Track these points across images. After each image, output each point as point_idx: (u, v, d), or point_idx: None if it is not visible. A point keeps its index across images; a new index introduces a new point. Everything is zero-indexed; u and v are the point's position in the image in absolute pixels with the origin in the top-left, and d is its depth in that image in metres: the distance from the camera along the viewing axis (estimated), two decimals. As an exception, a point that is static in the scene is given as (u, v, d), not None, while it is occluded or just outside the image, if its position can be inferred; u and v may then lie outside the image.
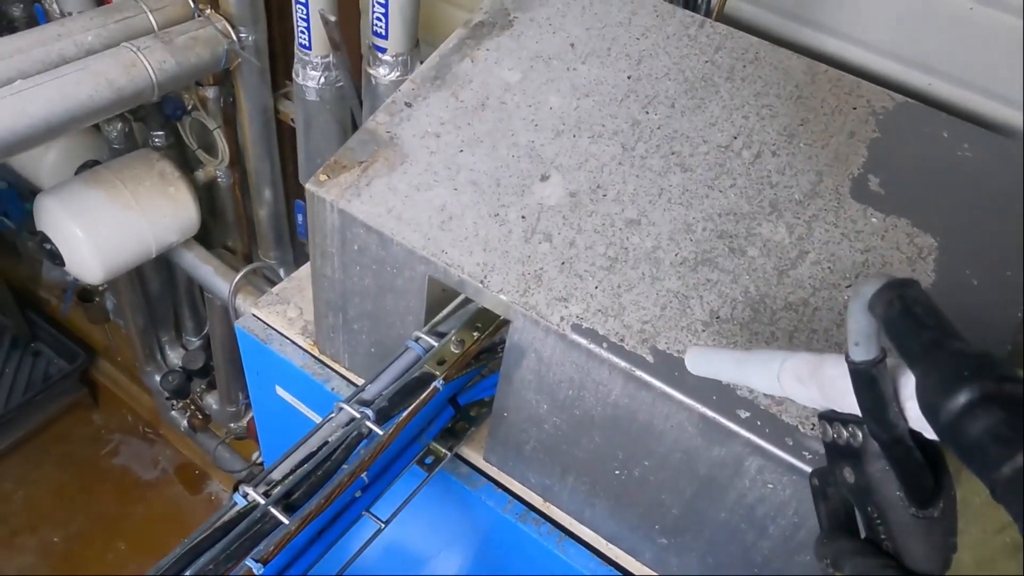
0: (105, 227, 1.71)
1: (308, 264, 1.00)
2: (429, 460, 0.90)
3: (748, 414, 0.66)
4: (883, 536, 0.46)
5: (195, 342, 2.58)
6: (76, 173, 1.83)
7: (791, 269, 0.75)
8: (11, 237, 3.06)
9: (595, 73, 0.90)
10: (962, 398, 0.35)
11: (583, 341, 0.71)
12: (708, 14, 1.03)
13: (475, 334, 0.87)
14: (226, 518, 0.72)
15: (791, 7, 1.12)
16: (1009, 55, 0.98)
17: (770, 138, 0.85)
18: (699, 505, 0.75)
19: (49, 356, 3.06)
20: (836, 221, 0.79)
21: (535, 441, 0.84)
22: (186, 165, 1.92)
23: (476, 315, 0.88)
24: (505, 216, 0.79)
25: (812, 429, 0.66)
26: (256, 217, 1.99)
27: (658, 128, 0.85)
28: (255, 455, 2.64)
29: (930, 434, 0.41)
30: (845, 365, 0.45)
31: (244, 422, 2.61)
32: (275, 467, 0.77)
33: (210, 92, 1.71)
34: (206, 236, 2.03)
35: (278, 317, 1.06)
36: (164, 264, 2.23)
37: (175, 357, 2.62)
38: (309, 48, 1.41)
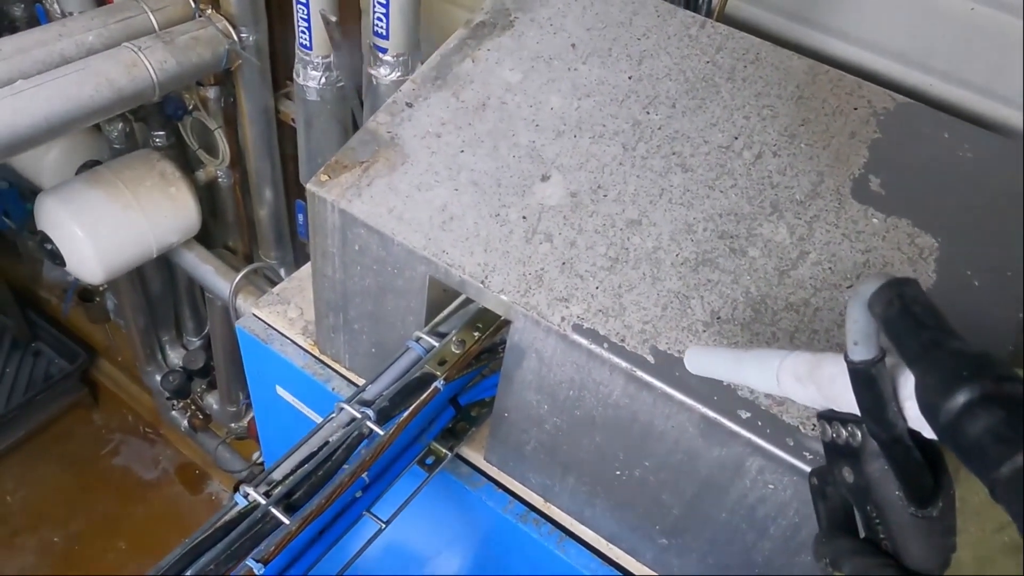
0: (106, 227, 1.71)
1: (309, 264, 1.00)
2: (430, 460, 0.90)
3: (749, 415, 0.66)
4: (882, 535, 0.46)
5: (196, 342, 2.58)
6: (77, 173, 1.83)
7: (792, 269, 0.75)
8: (12, 237, 3.07)
9: (596, 73, 0.90)
10: (961, 398, 0.35)
11: (584, 341, 0.71)
12: (709, 14, 1.03)
13: (476, 334, 0.87)
14: (227, 518, 0.72)
15: (792, 7, 1.12)
16: (1010, 55, 0.98)
17: (771, 138, 0.85)
18: (700, 505, 0.75)
19: (50, 356, 3.06)
20: (837, 221, 0.79)
21: (536, 441, 0.84)
22: (187, 165, 1.92)
23: (477, 315, 0.88)
24: (506, 216, 0.79)
25: (813, 430, 0.66)
26: (257, 217, 1.99)
27: (659, 128, 0.85)
28: (255, 455, 2.64)
29: (929, 433, 0.41)
30: (844, 364, 0.45)
31: (245, 422, 2.61)
32: (276, 467, 0.77)
33: (211, 92, 1.71)
34: (207, 236, 2.03)
35: (279, 317, 1.06)
36: (165, 264, 2.23)
37: (176, 357, 2.62)
38: (310, 48, 1.42)
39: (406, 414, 0.81)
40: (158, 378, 2.60)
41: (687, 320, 0.72)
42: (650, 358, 0.70)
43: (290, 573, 0.72)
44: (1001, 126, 1.04)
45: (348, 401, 0.82)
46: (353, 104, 1.50)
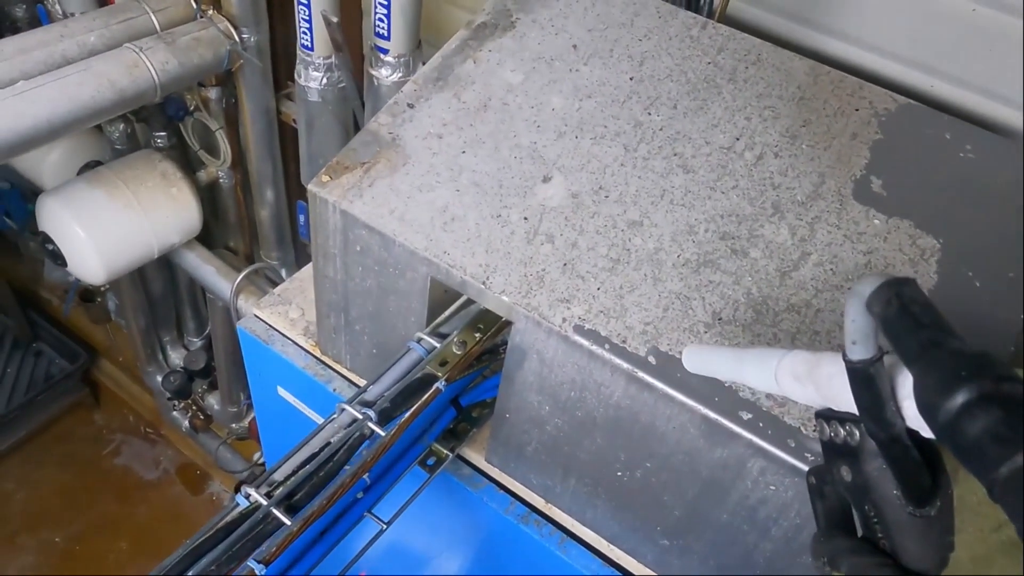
0: (107, 228, 1.71)
1: (310, 265, 1.00)
2: (431, 461, 0.90)
3: (750, 416, 0.66)
4: (880, 535, 0.46)
5: (197, 342, 2.58)
6: (78, 174, 1.83)
7: (793, 271, 0.75)
8: (13, 237, 3.07)
9: (597, 74, 0.90)
10: (960, 398, 0.35)
11: (585, 342, 0.71)
12: (710, 15, 1.03)
13: (477, 335, 0.87)
14: (228, 519, 0.72)
15: (793, 8, 1.12)
16: (1012, 56, 0.98)
17: (772, 139, 0.85)
18: (701, 506, 0.75)
19: (51, 356, 3.06)
20: (838, 223, 0.79)
21: (537, 442, 0.84)
22: (188, 166, 1.92)
23: (478, 316, 0.88)
24: (507, 217, 0.79)
25: (814, 431, 0.66)
26: (258, 218, 1.99)
27: (660, 129, 0.86)
28: (256, 456, 2.65)
29: (927, 433, 0.41)
30: (842, 364, 0.45)
31: (246, 423, 2.61)
32: (277, 468, 0.77)
33: (212, 93, 1.71)
34: (208, 237, 2.03)
35: (280, 318, 1.06)
36: (166, 264, 2.23)
37: (177, 357, 2.62)
38: (311, 49, 1.42)
39: (407, 415, 0.81)
40: (159, 378, 2.60)
41: (688, 321, 0.72)
42: (651, 359, 0.70)
43: (291, 574, 0.72)
44: (1002, 127, 1.04)
45: (349, 402, 0.82)
46: (354, 105, 1.50)
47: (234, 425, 2.62)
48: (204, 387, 2.63)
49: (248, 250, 2.16)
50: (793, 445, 0.65)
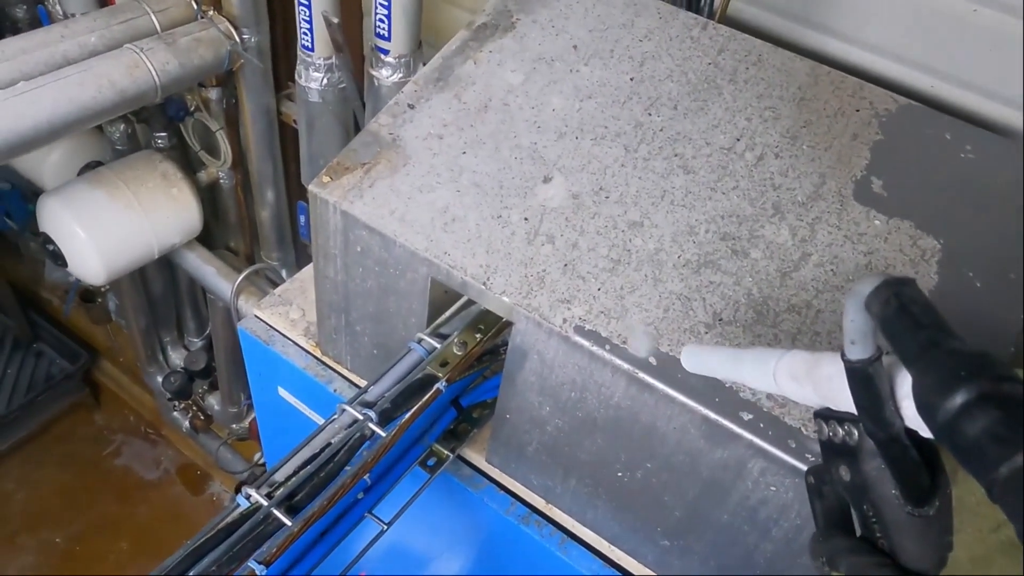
0: (107, 228, 1.71)
1: (310, 265, 1.00)
2: (431, 462, 0.90)
3: (751, 416, 0.66)
4: (879, 534, 0.46)
5: (197, 343, 2.58)
6: (79, 174, 1.83)
7: (794, 271, 0.75)
8: (14, 238, 3.07)
9: (598, 75, 0.90)
10: (959, 398, 0.35)
11: (586, 343, 0.71)
12: (711, 16, 1.03)
13: (478, 336, 0.87)
14: (229, 519, 0.72)
15: (794, 9, 1.12)
16: (1012, 57, 0.98)
17: (773, 140, 0.85)
18: (701, 507, 0.75)
19: (51, 356, 3.06)
20: (839, 223, 0.79)
21: (537, 443, 0.84)
22: (188, 166, 1.93)
23: (479, 317, 0.88)
24: (508, 218, 0.79)
25: (814, 431, 0.65)
26: (258, 218, 1.99)
27: (661, 130, 0.86)
28: (257, 456, 2.64)
29: (926, 433, 0.41)
30: (841, 363, 0.45)
31: (246, 423, 2.61)
32: (278, 469, 0.77)
33: (213, 93, 1.71)
34: (208, 237, 2.03)
35: (280, 318, 1.06)
36: (166, 265, 2.23)
37: (177, 358, 2.62)
38: (312, 50, 1.42)
39: (408, 416, 0.81)
40: (159, 379, 2.60)
41: (689, 322, 0.72)
42: (652, 360, 0.70)
43: (292, 574, 0.72)
44: (1003, 127, 1.04)
45: (350, 403, 0.82)
46: (355, 105, 1.50)
47: (235, 426, 2.62)
48: (204, 387, 2.63)
49: (248, 251, 2.16)
50: (794, 446, 0.65)
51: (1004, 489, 0.33)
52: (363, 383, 0.98)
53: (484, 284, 0.75)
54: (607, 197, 0.80)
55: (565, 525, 0.90)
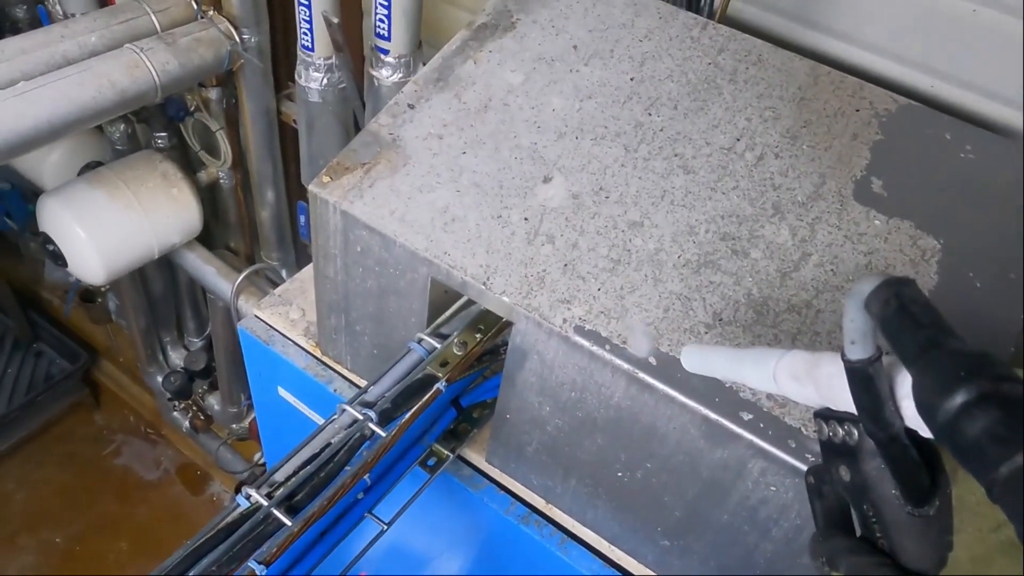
0: (107, 228, 1.71)
1: (310, 265, 1.00)
2: (431, 462, 0.90)
3: (751, 416, 0.66)
4: (879, 534, 0.46)
5: (197, 343, 2.58)
6: (79, 174, 1.83)
7: (794, 271, 0.75)
8: (14, 238, 3.07)
9: (598, 75, 0.90)
10: (959, 398, 0.35)
11: (586, 343, 0.71)
12: (711, 16, 1.03)
13: (478, 336, 0.87)
14: (229, 520, 0.72)
15: (794, 9, 1.12)
16: (1012, 57, 0.98)
17: (773, 140, 0.85)
18: (702, 507, 0.75)
19: (51, 356, 3.06)
20: (839, 223, 0.79)
21: (537, 443, 0.84)
22: (188, 166, 1.93)
23: (479, 317, 0.88)
24: (508, 218, 0.79)
25: (814, 431, 0.65)
26: (258, 218, 1.99)
27: (661, 130, 0.86)
28: (257, 456, 2.65)
29: (926, 433, 0.41)
30: (841, 363, 0.45)
31: (246, 423, 2.61)
32: (278, 469, 0.77)
33: (213, 93, 1.71)
34: (208, 237, 2.03)
35: (280, 318, 1.06)
36: (166, 265, 2.23)
37: (177, 358, 2.62)
38: (312, 50, 1.42)
39: (408, 416, 0.81)
40: (159, 379, 2.60)
41: (689, 322, 0.72)
42: (652, 360, 0.70)
43: (292, 574, 0.72)
44: (1003, 127, 1.04)
45: (350, 403, 0.82)
46: (355, 105, 1.50)
47: (234, 426, 2.62)
48: (204, 387, 2.63)
49: (248, 251, 2.16)
50: (794, 446, 0.65)
51: (1004, 489, 0.33)
52: (363, 383, 0.98)
53: (484, 284, 0.75)
54: (607, 197, 0.80)
55: (565, 525, 0.90)
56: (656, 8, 0.97)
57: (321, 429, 0.81)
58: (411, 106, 0.87)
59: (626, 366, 0.70)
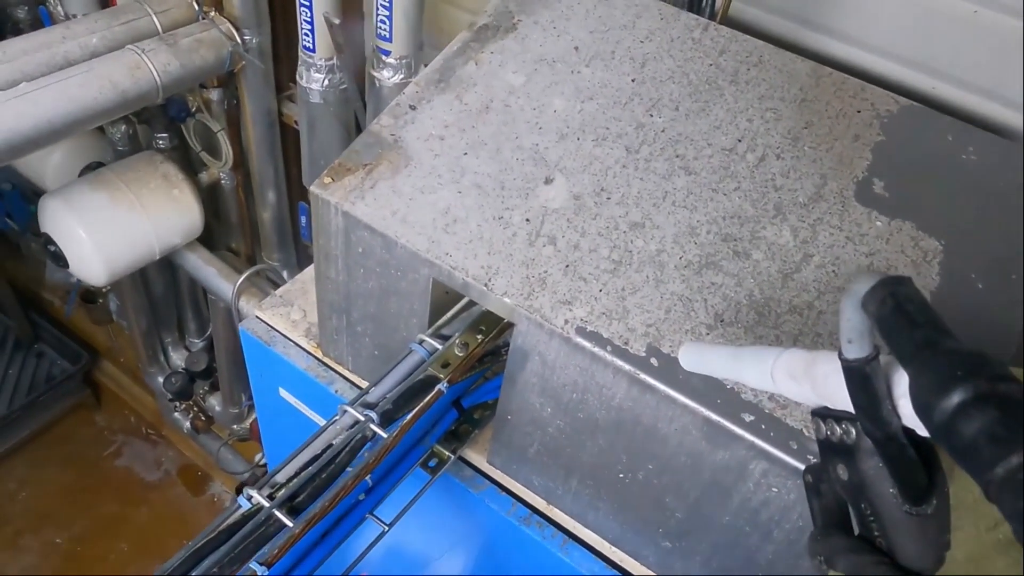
0: (109, 229, 1.71)
1: (312, 266, 1.00)
2: (433, 463, 0.90)
3: (752, 417, 0.66)
4: (876, 533, 0.46)
5: (198, 344, 2.58)
6: (80, 175, 1.83)
7: (795, 272, 0.75)
8: (15, 238, 3.07)
9: (599, 76, 0.90)
10: (956, 397, 0.35)
11: (587, 344, 0.71)
12: (712, 17, 1.03)
13: (479, 337, 0.87)
14: (230, 521, 0.72)
15: (795, 10, 1.12)
16: (1013, 58, 0.98)
17: (774, 141, 0.85)
18: (703, 508, 0.75)
19: (52, 357, 3.06)
20: (840, 224, 0.78)
21: (539, 444, 0.84)
22: (190, 167, 1.93)
23: (480, 318, 0.88)
24: (509, 219, 0.79)
25: (812, 430, 0.65)
26: (259, 219, 1.99)
27: (662, 131, 0.86)
28: (258, 457, 2.64)
29: (923, 432, 0.41)
30: (838, 362, 0.45)
31: (247, 424, 2.61)
32: (279, 470, 0.77)
33: (214, 94, 1.71)
34: (209, 238, 2.03)
35: (282, 319, 1.06)
36: (167, 266, 2.23)
37: (178, 359, 2.62)
38: (313, 51, 1.42)
39: (409, 417, 0.81)
40: (160, 379, 2.60)
41: (691, 323, 0.72)
42: (653, 361, 0.70)
43: (293, 575, 0.72)
44: (1004, 128, 1.04)
45: (351, 404, 0.82)
46: (356, 106, 1.50)
47: (235, 426, 2.62)
48: (205, 388, 2.63)
49: (250, 251, 2.16)
50: (795, 447, 0.65)
51: (1001, 488, 0.33)
52: (364, 384, 0.98)
53: (486, 285, 0.75)
54: (608, 198, 0.80)
55: (566, 526, 0.90)
56: (657, 9, 0.97)
57: (322, 430, 0.81)
58: (412, 107, 0.87)
59: (627, 367, 0.70)
